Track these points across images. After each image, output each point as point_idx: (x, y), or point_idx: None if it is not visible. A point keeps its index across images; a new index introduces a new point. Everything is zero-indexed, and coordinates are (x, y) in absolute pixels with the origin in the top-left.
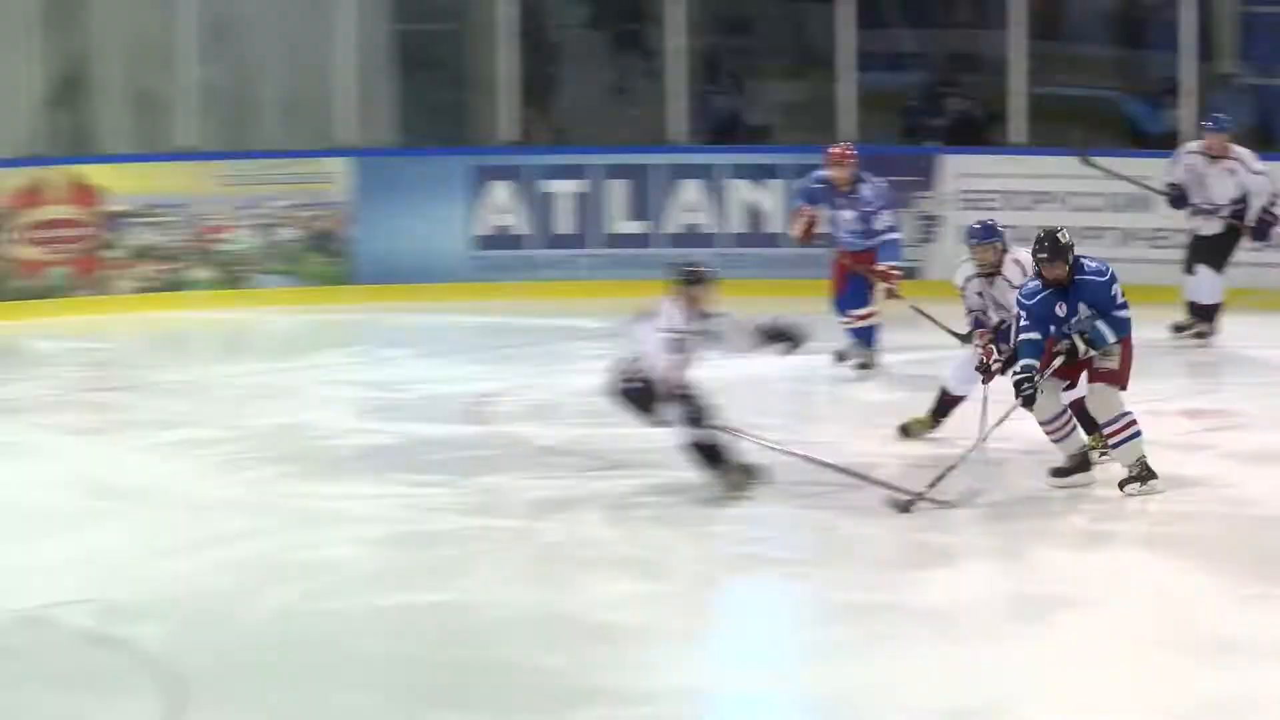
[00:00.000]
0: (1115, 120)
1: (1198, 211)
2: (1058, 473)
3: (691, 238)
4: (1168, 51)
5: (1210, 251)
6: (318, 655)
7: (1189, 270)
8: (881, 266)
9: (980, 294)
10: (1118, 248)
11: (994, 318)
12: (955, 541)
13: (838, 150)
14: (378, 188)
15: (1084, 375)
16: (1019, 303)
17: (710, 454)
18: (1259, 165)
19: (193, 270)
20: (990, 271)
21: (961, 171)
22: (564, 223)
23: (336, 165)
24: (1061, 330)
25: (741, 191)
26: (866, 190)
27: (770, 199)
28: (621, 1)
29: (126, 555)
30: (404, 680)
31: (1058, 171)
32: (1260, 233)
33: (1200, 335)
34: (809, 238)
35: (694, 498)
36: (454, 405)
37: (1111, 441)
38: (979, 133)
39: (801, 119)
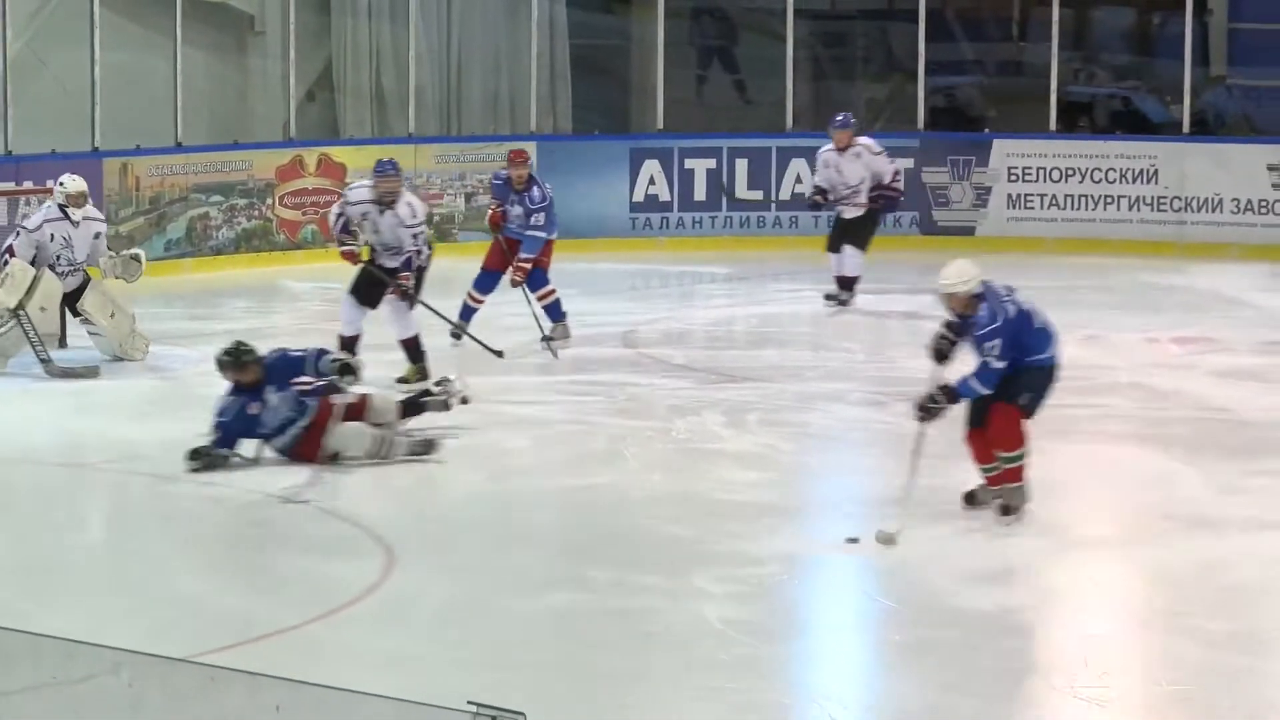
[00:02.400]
0: (1132, 114)
1: (839, 199)
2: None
3: (796, 204)
4: (1172, 59)
5: (854, 233)
6: (499, 525)
7: (835, 249)
8: (519, 256)
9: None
10: (1128, 211)
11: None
12: None
13: (515, 152)
14: (558, 164)
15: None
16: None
17: None
18: (878, 149)
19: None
20: None
21: (1009, 152)
22: (699, 191)
23: (526, 147)
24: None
25: None
26: (535, 191)
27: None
28: (752, 22)
29: None
30: (566, 543)
31: (1080, 152)
32: (889, 206)
33: (843, 303)
34: (497, 226)
35: (793, 404)
36: (610, 332)
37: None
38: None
39: (884, 112)
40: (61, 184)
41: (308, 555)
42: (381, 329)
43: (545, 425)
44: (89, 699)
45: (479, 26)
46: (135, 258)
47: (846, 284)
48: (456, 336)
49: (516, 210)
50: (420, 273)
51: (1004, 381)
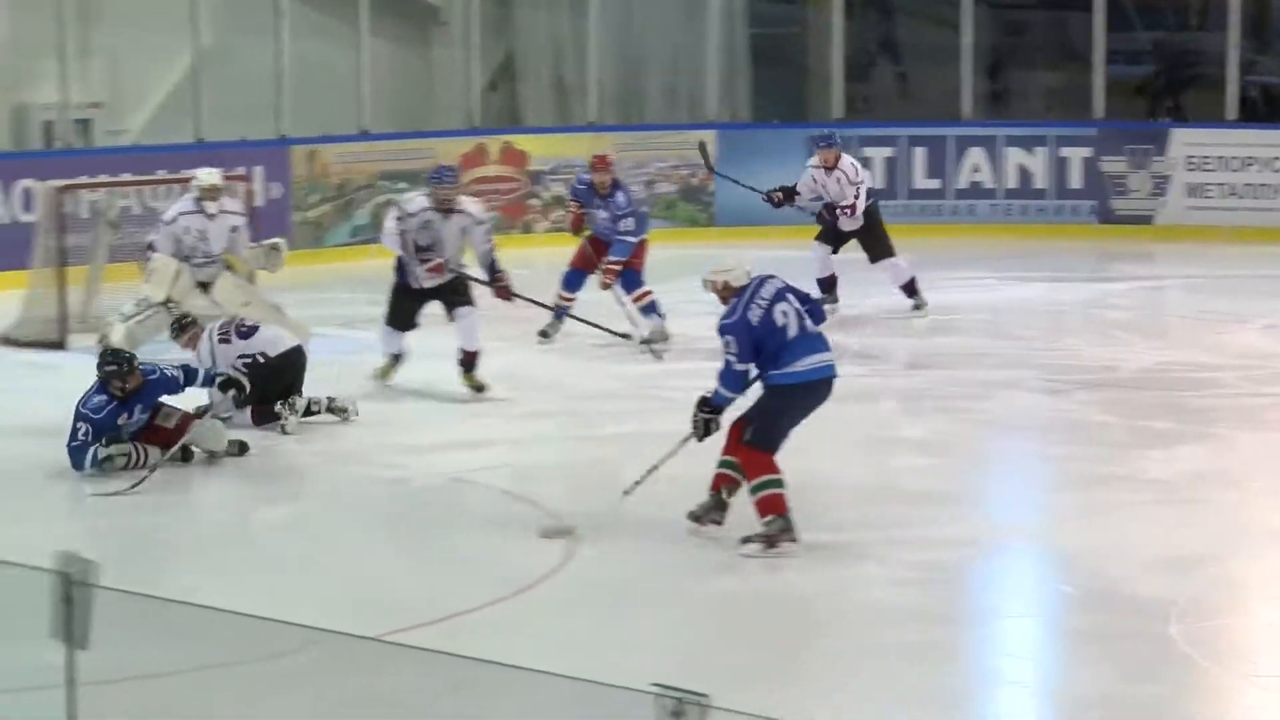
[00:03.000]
0: None
1: (831, 209)
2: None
3: (974, 192)
4: None
5: (873, 246)
6: (680, 508)
7: (834, 247)
8: (608, 259)
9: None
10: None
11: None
12: (1172, 428)
13: (598, 157)
14: (735, 152)
15: None
16: (728, 327)
17: None
18: (856, 176)
19: None
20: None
21: (1187, 141)
22: (877, 179)
23: (706, 137)
24: None
25: (1015, 157)
26: (620, 196)
27: (1036, 163)
28: (927, 12)
29: (534, 431)
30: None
31: (1260, 141)
32: (832, 219)
33: (922, 303)
34: (578, 228)
35: (969, 391)
36: None
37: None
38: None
39: (1061, 100)
40: (197, 177)
41: (491, 536)
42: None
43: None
44: (276, 676)
45: (659, 16)
46: (275, 247)
47: (911, 289)
48: (545, 335)
49: (602, 214)
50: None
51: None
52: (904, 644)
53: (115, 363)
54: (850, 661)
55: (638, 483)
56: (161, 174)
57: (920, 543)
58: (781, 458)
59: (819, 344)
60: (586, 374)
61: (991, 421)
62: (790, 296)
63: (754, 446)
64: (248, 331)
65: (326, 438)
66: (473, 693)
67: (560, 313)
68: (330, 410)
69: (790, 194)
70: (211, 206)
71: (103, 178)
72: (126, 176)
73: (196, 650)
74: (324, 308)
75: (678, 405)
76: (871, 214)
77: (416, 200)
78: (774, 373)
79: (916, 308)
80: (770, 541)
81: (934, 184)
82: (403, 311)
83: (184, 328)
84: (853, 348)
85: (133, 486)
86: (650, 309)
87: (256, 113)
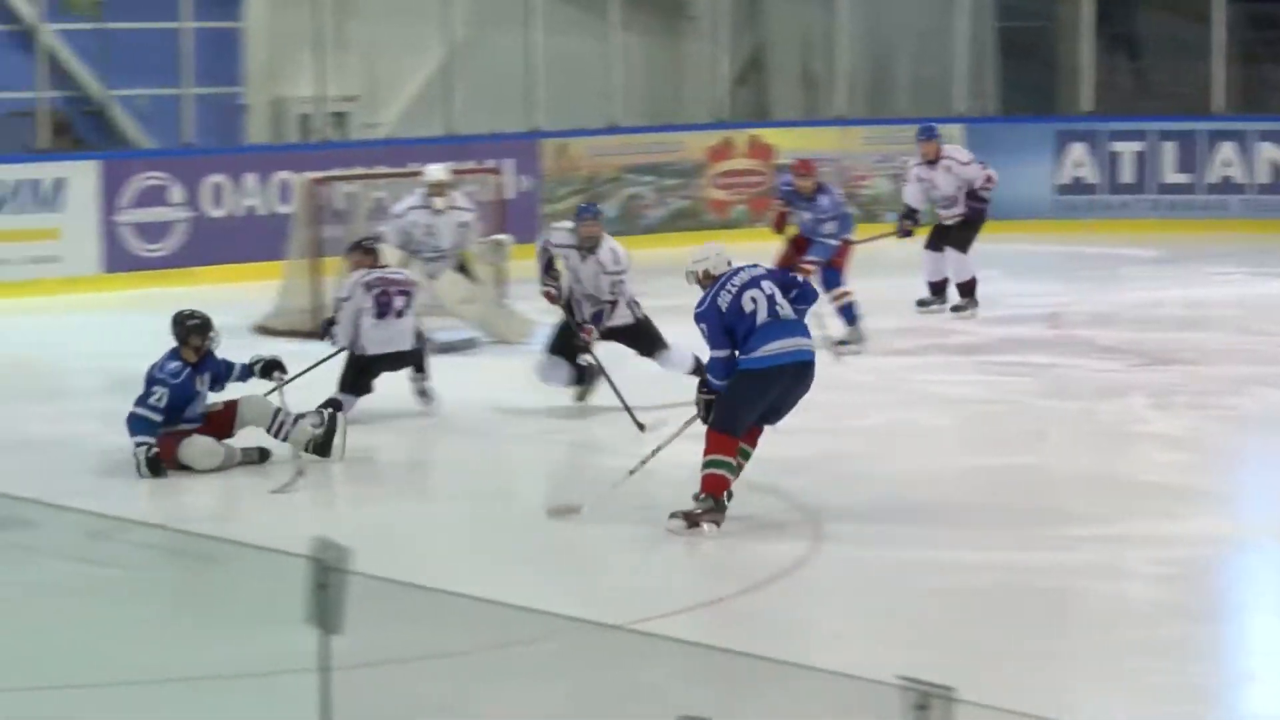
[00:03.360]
0: None
1: (937, 207)
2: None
3: (1225, 187)
4: None
5: (954, 236)
6: (925, 503)
7: (936, 247)
8: (805, 258)
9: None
10: None
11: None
12: None
13: (800, 162)
14: (983, 146)
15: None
16: (700, 315)
17: None
18: (966, 158)
19: None
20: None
21: None
22: (1127, 174)
23: (953, 129)
24: None
25: (1267, 152)
26: (823, 199)
27: None
28: (1174, 5)
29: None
30: (989, 522)
31: None
32: (976, 214)
33: (960, 309)
34: (780, 227)
35: (1219, 387)
36: (1033, 313)
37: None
38: None
39: None
40: (426, 173)
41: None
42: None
43: (968, 404)
44: (527, 664)
45: (907, 8)
46: (500, 243)
47: (938, 289)
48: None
49: (806, 215)
50: (636, 326)
51: None
52: (1151, 640)
53: (198, 318)
54: (1096, 656)
55: (643, 462)
56: (414, 167)
57: (1169, 539)
58: (1024, 449)
59: (792, 330)
60: (836, 366)
61: (1243, 418)
62: (764, 284)
63: (715, 428)
64: (385, 310)
65: (569, 429)
66: (721, 684)
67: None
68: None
69: (912, 214)
70: (439, 202)
71: (357, 170)
72: (381, 169)
73: (447, 637)
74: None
75: (928, 398)
76: (976, 209)
77: (561, 233)
78: (742, 358)
79: (927, 304)
80: (693, 520)
81: (1184, 179)
82: (565, 344)
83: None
84: (1102, 341)
85: (285, 486)
86: (848, 310)
87: (508, 106)
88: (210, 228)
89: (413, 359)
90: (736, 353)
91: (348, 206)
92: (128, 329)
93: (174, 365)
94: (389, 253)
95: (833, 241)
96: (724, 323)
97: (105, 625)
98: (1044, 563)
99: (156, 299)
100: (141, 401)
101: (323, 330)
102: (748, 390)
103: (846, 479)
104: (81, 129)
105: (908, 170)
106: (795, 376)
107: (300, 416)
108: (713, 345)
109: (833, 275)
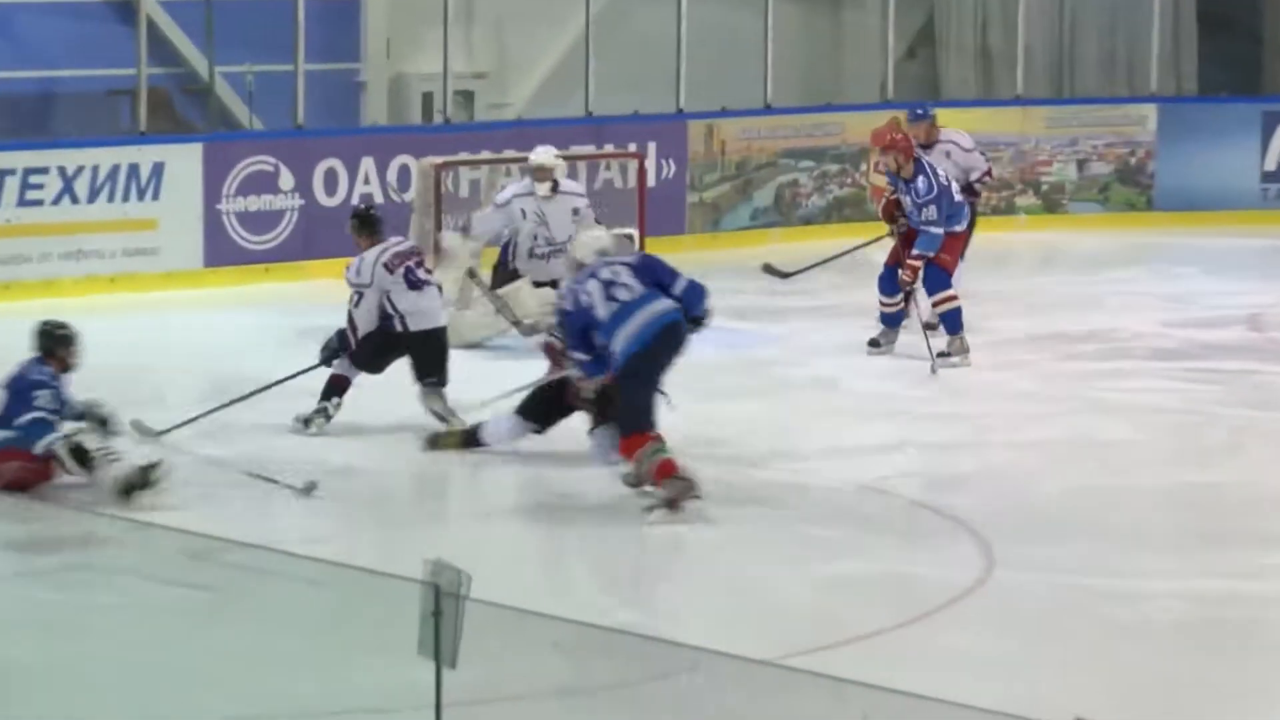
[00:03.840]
0: None
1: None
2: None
3: None
4: None
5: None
6: (1104, 523)
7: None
8: (910, 253)
9: None
10: None
11: None
12: None
13: (878, 133)
14: (1179, 130)
15: None
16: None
17: None
18: (969, 144)
19: (1019, 197)
20: None
21: None
22: None
23: (1146, 111)
24: None
25: None
26: (920, 182)
27: None
28: None
29: (948, 435)
30: (1180, 544)
31: None
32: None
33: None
34: (890, 217)
35: None
36: (1233, 315)
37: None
38: None
39: None
40: (531, 156)
41: (901, 550)
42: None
43: (1156, 414)
44: (662, 700)
45: None
46: (626, 237)
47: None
48: (875, 345)
49: (906, 201)
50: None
51: None
52: None
53: (67, 329)
54: None
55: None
56: None
57: None
58: (1221, 464)
59: (644, 302)
60: (1008, 372)
61: None
62: (604, 271)
63: (628, 435)
64: (417, 283)
65: (711, 440)
66: None
67: (890, 320)
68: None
69: (895, 209)
70: (541, 188)
71: (485, 154)
72: (510, 153)
73: (572, 670)
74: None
75: (1107, 408)
76: (972, 205)
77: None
78: (612, 352)
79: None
80: (673, 504)
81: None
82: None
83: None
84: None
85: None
86: (950, 318)
87: (651, 84)
88: (322, 217)
89: (441, 349)
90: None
91: (473, 194)
92: (230, 329)
93: (47, 369)
94: (455, 249)
95: (934, 229)
96: (573, 323)
97: (197, 654)
98: (1236, 591)
99: (263, 295)
100: (25, 408)
101: (332, 350)
102: (638, 376)
103: (1017, 497)
104: (183, 108)
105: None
106: (671, 341)
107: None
108: (571, 347)
109: (937, 274)
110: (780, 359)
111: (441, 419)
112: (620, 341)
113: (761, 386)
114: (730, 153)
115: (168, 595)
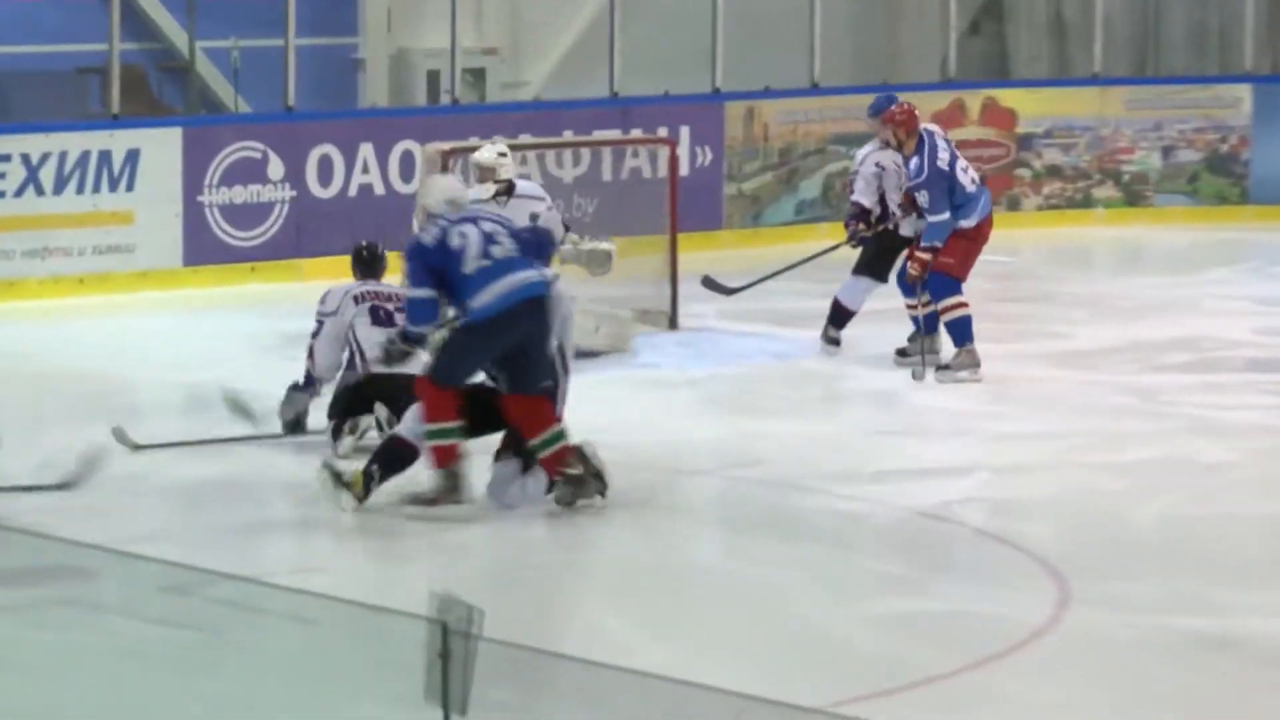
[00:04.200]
0: None
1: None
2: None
3: None
4: None
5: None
6: (1198, 557)
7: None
8: (919, 244)
9: None
10: None
11: None
12: None
13: (876, 105)
14: (1277, 113)
15: None
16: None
17: None
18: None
19: (1096, 189)
20: None
21: None
22: None
23: (1240, 91)
24: None
25: None
26: (914, 160)
27: None
28: None
29: (1021, 457)
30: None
31: None
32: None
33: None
34: (853, 221)
35: None
36: None
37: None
38: None
39: None
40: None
41: (966, 586)
42: None
43: (1254, 433)
44: None
45: None
46: (603, 253)
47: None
48: (903, 354)
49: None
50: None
51: None
52: None
53: None
54: None
55: None
56: (568, 135)
57: None
58: None
59: (514, 266)
60: (1086, 386)
61: None
62: (483, 222)
63: (430, 379)
64: (384, 319)
65: (754, 460)
66: None
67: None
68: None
69: (864, 214)
70: (483, 190)
71: (497, 139)
72: (525, 139)
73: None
74: (753, 299)
75: (1206, 427)
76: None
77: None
78: (466, 307)
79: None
80: (430, 501)
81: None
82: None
83: None
84: None
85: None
86: (958, 327)
87: (684, 61)
88: (315, 211)
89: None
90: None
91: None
92: (214, 335)
93: None
94: None
95: (938, 218)
96: (425, 262)
97: (180, 700)
98: None
99: (250, 298)
100: None
101: (295, 415)
102: (470, 341)
103: (1097, 527)
104: (160, 89)
105: (860, 157)
106: (532, 313)
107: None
108: (412, 282)
109: (940, 279)
110: (832, 370)
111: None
112: (480, 299)
113: (811, 401)
114: (773, 138)
115: (147, 634)
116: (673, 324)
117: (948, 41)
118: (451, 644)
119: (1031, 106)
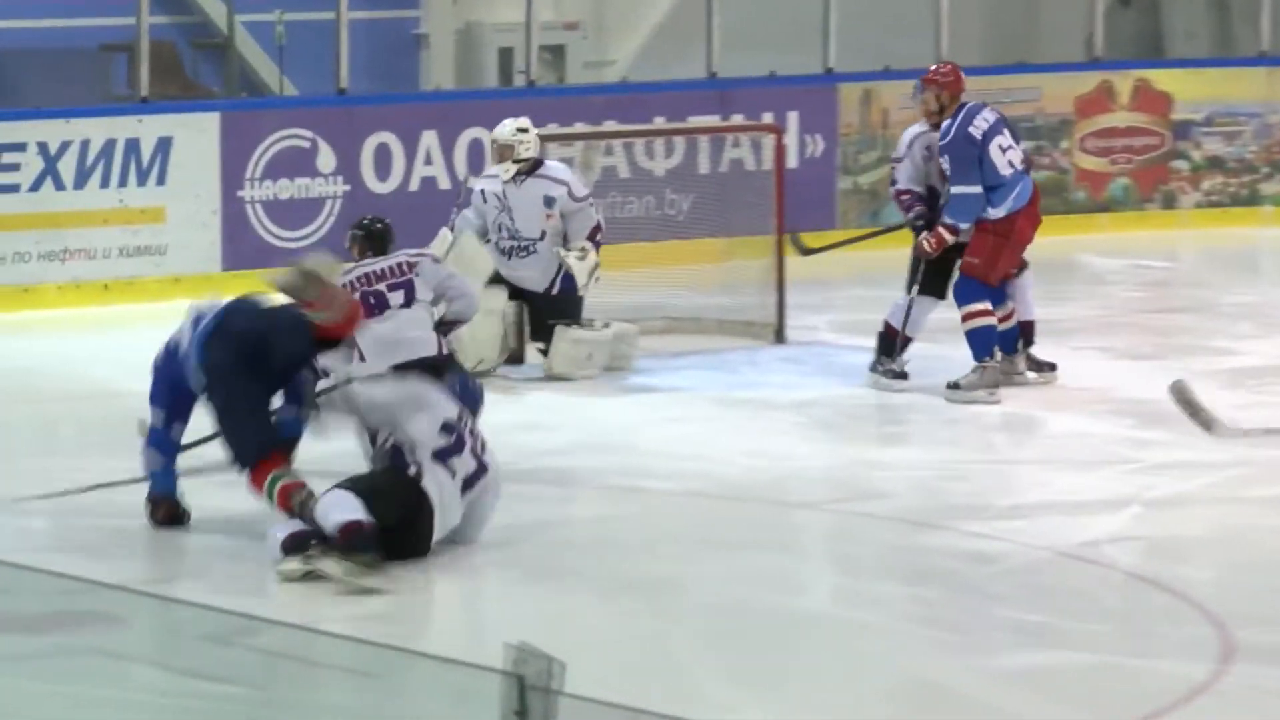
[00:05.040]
0: None
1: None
2: None
3: None
4: None
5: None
6: None
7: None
8: (941, 219)
9: None
10: None
11: None
12: None
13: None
14: None
15: None
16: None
17: None
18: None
19: (1264, 183)
20: None
21: None
22: None
23: None
24: None
25: None
26: (944, 124)
27: None
28: None
29: (1179, 489)
30: None
31: None
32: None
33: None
34: (905, 204)
35: None
36: None
37: None
38: None
39: None
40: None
41: (1114, 637)
42: None
43: None
44: None
45: None
46: (592, 267)
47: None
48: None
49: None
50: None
51: None
52: None
53: None
54: None
55: None
56: (659, 122)
57: None
58: None
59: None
60: (1254, 410)
61: None
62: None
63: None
64: (379, 305)
65: (869, 493)
66: None
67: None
68: None
69: (921, 199)
70: (502, 169)
71: (579, 126)
72: (611, 125)
73: None
74: (823, 312)
75: None
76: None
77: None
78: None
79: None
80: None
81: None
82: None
83: None
84: None
85: None
86: (980, 337)
87: (791, 39)
88: (372, 207)
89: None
90: None
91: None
92: None
93: None
94: (470, 251)
95: (964, 190)
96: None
97: None
98: None
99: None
100: None
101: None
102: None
103: (1264, 570)
104: (195, 68)
105: (907, 140)
106: None
107: None
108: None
109: (966, 281)
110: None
111: None
112: None
113: (933, 425)
114: (893, 125)
115: (183, 688)
116: (779, 337)
117: (1094, 15)
118: (530, 701)
119: (1189, 89)
